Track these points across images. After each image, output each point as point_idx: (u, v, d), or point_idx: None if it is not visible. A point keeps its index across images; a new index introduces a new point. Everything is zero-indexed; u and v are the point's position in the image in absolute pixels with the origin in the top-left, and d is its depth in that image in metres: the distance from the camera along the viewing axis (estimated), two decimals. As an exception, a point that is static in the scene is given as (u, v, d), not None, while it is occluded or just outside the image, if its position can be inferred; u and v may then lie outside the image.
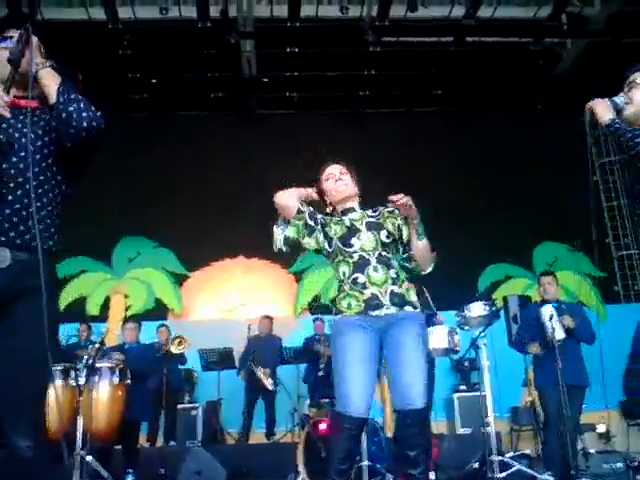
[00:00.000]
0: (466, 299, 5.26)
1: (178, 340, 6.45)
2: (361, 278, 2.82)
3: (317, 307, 9.04)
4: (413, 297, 2.89)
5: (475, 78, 9.98)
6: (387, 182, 8.79)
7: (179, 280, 9.57)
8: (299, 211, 2.98)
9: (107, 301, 9.35)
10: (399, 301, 2.81)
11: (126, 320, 6.20)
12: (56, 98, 2.01)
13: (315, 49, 9.23)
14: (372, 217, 3.00)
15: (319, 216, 3.02)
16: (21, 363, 1.84)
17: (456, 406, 7.60)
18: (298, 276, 9.59)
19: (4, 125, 1.97)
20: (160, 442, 6.99)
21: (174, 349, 6.33)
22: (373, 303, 2.78)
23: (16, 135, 2.02)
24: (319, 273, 9.28)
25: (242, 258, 9.57)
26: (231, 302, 9.39)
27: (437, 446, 5.09)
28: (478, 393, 6.18)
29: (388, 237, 2.92)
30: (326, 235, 2.95)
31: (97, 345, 4.90)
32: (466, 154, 10.05)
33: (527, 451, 5.78)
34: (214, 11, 8.50)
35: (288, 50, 9.25)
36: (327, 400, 7.10)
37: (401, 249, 3.00)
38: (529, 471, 4.72)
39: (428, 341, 3.02)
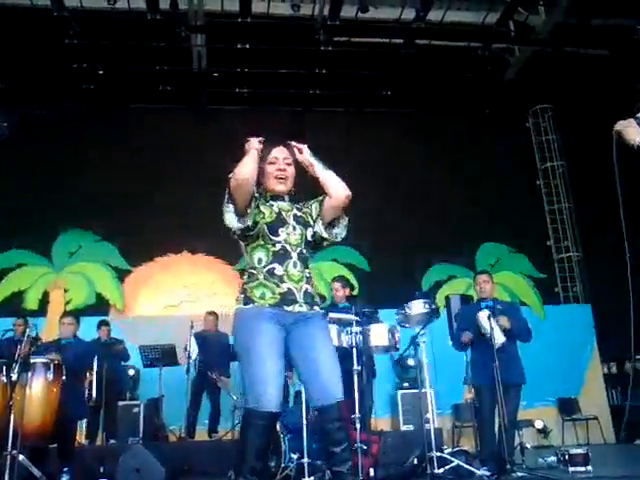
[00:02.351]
0: (409, 298, 5.30)
1: None
2: (278, 270, 2.75)
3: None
4: (318, 298, 2.90)
5: (425, 81, 10.13)
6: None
7: (121, 275, 9.38)
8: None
9: (46, 295, 9.10)
10: (310, 300, 2.80)
11: (63, 314, 6.01)
12: None
13: (266, 46, 9.19)
14: (300, 212, 2.94)
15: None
16: None
17: (399, 403, 7.70)
18: (242, 273, 9.45)
19: None
20: (100, 440, 6.84)
21: None
22: (289, 298, 2.73)
23: None
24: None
25: (186, 254, 9.46)
26: (176, 298, 9.26)
27: (378, 442, 5.11)
28: (419, 390, 6.29)
29: (313, 236, 2.90)
30: (254, 220, 2.82)
31: (30, 340, 4.73)
32: (414, 155, 10.21)
33: (466, 447, 5.87)
34: (164, 3, 8.37)
35: (239, 46, 9.18)
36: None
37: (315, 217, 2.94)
38: (467, 466, 4.80)
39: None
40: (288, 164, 2.93)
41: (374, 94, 10.35)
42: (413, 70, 9.83)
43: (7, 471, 4.37)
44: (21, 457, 4.47)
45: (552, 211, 10.76)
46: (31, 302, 9.00)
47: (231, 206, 2.78)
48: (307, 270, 2.85)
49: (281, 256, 2.79)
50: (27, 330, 5.02)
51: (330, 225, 2.95)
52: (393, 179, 10.00)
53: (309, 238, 2.88)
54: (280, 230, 2.82)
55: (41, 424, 4.88)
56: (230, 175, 2.75)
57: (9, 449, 4.46)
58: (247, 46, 9.18)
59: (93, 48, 8.99)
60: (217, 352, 7.35)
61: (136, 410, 6.97)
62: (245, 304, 2.74)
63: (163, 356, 7.08)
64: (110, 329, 7.55)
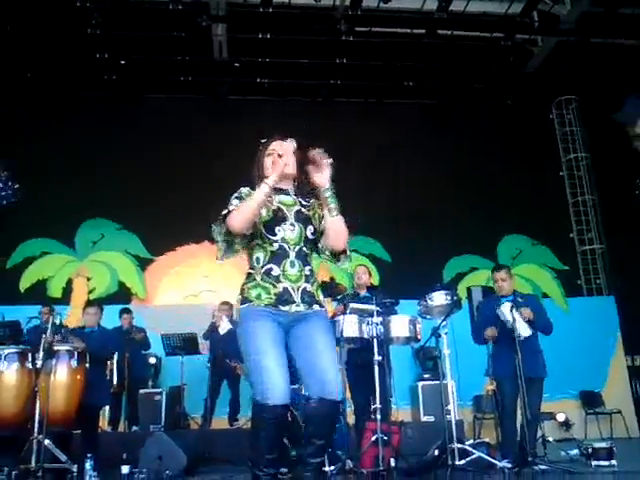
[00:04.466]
0: (431, 289, 5.27)
1: None
2: (275, 270, 2.72)
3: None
4: (321, 296, 2.84)
5: (446, 72, 10.03)
6: (352, 171, 8.91)
7: (143, 264, 9.44)
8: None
9: (70, 283, 9.19)
10: (309, 299, 2.76)
11: (87, 304, 6.08)
12: None
13: (287, 36, 9.17)
14: (303, 207, 2.87)
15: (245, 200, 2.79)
16: None
17: (420, 394, 7.68)
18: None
19: None
20: (123, 427, 6.92)
21: None
22: (284, 298, 2.71)
23: None
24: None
25: (207, 244, 9.49)
26: (196, 287, 9.31)
27: (398, 433, 5.11)
28: (440, 381, 6.26)
29: (313, 234, 2.84)
30: None
31: (55, 327, 4.80)
32: (435, 146, 10.13)
33: (487, 439, 5.84)
34: (187, -7, 8.41)
35: (260, 36, 9.18)
36: (295, 386, 7.16)
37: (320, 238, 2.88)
38: (488, 458, 4.77)
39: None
40: (285, 152, 2.84)
41: (395, 85, 10.27)
42: (435, 61, 9.74)
43: (34, 455, 4.47)
44: (47, 442, 4.56)
45: (575, 203, 10.63)
46: (55, 290, 9.10)
47: (222, 237, 2.77)
48: (307, 268, 2.78)
49: (278, 255, 2.75)
50: (52, 318, 5.10)
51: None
52: (413, 170, 9.94)
53: (309, 236, 2.82)
54: (277, 229, 2.76)
55: (65, 410, 4.96)
56: (228, 212, 2.70)
57: (35, 434, 4.56)
58: (268, 36, 9.17)
59: (115, 38, 9.02)
60: (233, 341, 7.35)
61: (158, 398, 7.03)
62: (242, 304, 2.74)
63: (184, 344, 7.14)
64: (132, 317, 7.64)
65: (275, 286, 2.71)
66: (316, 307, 2.78)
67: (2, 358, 4.76)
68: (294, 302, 2.72)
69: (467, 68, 9.99)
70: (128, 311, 7.70)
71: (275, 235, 2.76)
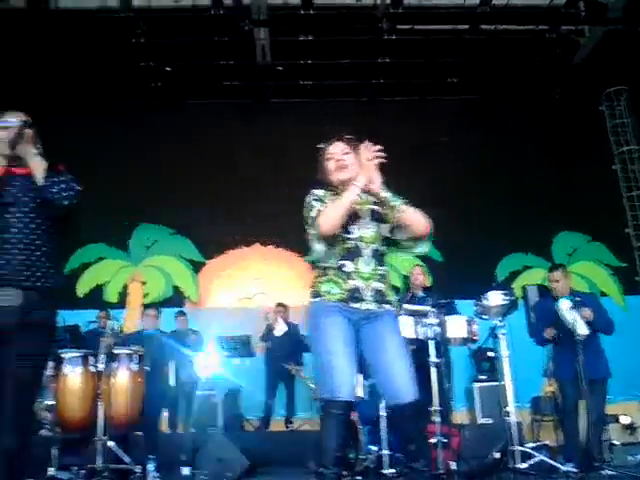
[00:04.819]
0: (484, 289, 5.21)
1: None
2: (349, 266, 2.75)
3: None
4: (392, 296, 2.85)
5: (491, 66, 9.87)
6: (401, 171, 8.83)
7: (196, 268, 9.55)
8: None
9: (125, 288, 9.36)
10: (380, 298, 2.77)
11: (146, 306, 6.20)
12: (42, 181, 2.50)
13: (329, 37, 9.16)
14: (377, 205, 2.88)
15: (323, 202, 2.84)
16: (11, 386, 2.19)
17: (476, 396, 7.54)
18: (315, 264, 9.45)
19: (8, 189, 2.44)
20: (181, 429, 7.03)
21: None
22: (355, 295, 2.72)
23: (17, 197, 2.49)
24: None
25: (258, 246, 9.57)
26: (249, 290, 9.37)
27: (458, 436, 5.06)
28: (498, 383, 6.17)
29: (391, 232, 2.86)
30: None
31: (114, 331, 4.91)
32: (483, 143, 9.98)
33: (548, 442, 5.74)
34: (227, -2, 8.48)
35: (302, 38, 9.19)
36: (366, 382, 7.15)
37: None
38: (551, 462, 4.68)
39: None
40: (346, 153, 2.91)
41: (439, 82, 10.17)
42: (478, 56, 9.60)
43: (99, 456, 4.58)
44: (111, 443, 4.67)
45: (630, 197, 10.28)
46: (111, 295, 9.27)
47: (320, 244, 2.78)
48: (382, 268, 2.80)
49: (353, 253, 2.77)
50: (109, 322, 5.22)
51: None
52: (460, 168, 9.79)
53: (385, 234, 2.84)
54: (353, 227, 2.80)
55: (127, 412, 5.05)
56: (316, 217, 2.75)
57: (99, 435, 4.67)
58: (310, 38, 9.17)
59: (159, 46, 9.12)
60: (289, 343, 7.44)
61: (214, 400, 7.10)
62: (313, 297, 2.77)
63: (240, 346, 7.20)
64: (187, 319, 7.75)
65: (346, 282, 2.74)
66: (387, 306, 2.79)
67: (66, 362, 4.86)
68: (364, 300, 2.73)
69: (511, 62, 9.80)
70: (183, 313, 7.83)
71: (350, 234, 2.79)
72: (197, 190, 9.49)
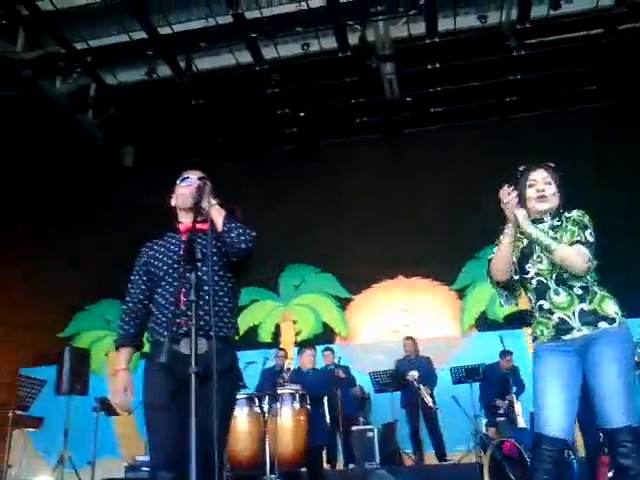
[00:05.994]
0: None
1: None
2: (545, 304, 2.72)
3: (484, 323, 8.80)
4: (608, 309, 2.64)
5: (631, 69, 9.26)
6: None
7: (343, 304, 9.75)
8: None
9: (278, 328, 9.75)
10: (592, 319, 2.63)
11: (304, 346, 6.44)
12: (222, 227, 2.61)
13: (456, 62, 9.09)
14: (553, 230, 2.79)
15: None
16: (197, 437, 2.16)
17: None
18: (461, 293, 9.37)
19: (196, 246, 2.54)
20: (340, 464, 7.13)
21: None
22: (563, 328, 2.66)
23: (204, 252, 2.57)
24: (482, 288, 8.79)
25: (402, 278, 9.59)
26: (395, 323, 9.39)
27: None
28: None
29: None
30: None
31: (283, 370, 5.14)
32: (631, 149, 9.32)
33: None
34: (352, 39, 8.68)
35: (429, 67, 9.20)
36: (503, 419, 6.92)
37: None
38: None
39: (632, 354, 2.73)
40: (548, 183, 2.86)
41: (577, 91, 9.71)
42: (619, 59, 9.05)
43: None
44: (278, 481, 4.87)
45: None
46: (265, 335, 9.70)
47: (499, 289, 2.89)
48: (576, 288, 2.68)
49: (540, 290, 2.75)
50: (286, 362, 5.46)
51: None
52: (615, 175, 9.15)
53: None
54: (527, 266, 2.78)
55: (293, 450, 5.26)
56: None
57: (268, 474, 4.89)
58: (437, 65, 9.15)
59: (292, 93, 9.55)
60: (421, 375, 7.39)
61: (370, 434, 7.14)
62: (533, 341, 2.82)
63: (392, 380, 7.23)
64: (334, 354, 7.87)
65: (550, 319, 2.72)
66: (603, 325, 2.64)
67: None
68: (574, 328, 2.66)
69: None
70: (329, 349, 7.98)
71: (528, 273, 2.78)
72: (339, 228, 9.77)
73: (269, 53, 8.95)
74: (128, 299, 2.76)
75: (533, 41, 8.84)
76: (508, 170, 3.11)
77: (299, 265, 9.99)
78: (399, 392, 7.50)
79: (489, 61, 9.11)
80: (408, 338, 7.97)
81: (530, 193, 2.86)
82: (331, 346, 8.27)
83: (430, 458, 7.43)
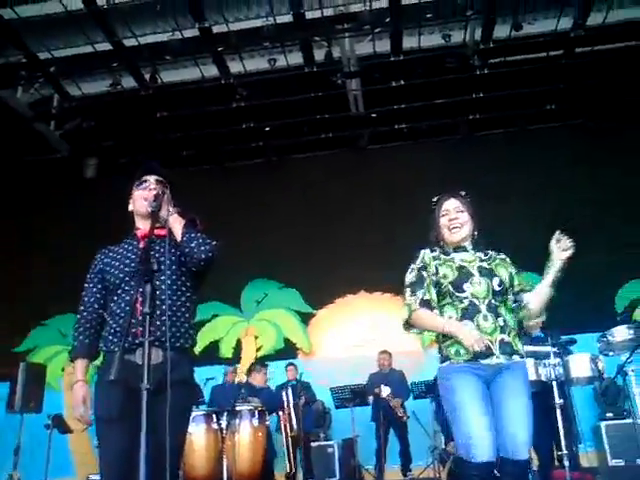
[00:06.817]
0: (605, 320, 4.93)
1: None
2: (470, 325, 2.74)
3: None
4: (520, 345, 2.81)
5: (592, 89, 9.52)
6: (507, 204, 8.62)
7: (306, 319, 9.70)
8: None
9: (239, 343, 9.64)
10: (509, 350, 2.74)
11: (257, 363, 6.40)
12: (181, 237, 2.57)
13: (420, 79, 9.21)
14: (484, 262, 2.90)
15: (428, 271, 2.88)
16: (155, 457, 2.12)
17: (604, 435, 7.02)
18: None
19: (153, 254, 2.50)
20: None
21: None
22: (485, 352, 2.69)
23: (161, 261, 2.50)
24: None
25: (364, 293, 9.60)
26: (360, 337, 9.37)
27: (591, 482, 4.75)
28: (629, 420, 5.73)
29: (500, 285, 2.82)
30: (437, 283, 2.86)
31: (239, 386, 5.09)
32: (592, 166, 9.54)
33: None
34: (319, 55, 8.77)
35: (394, 84, 9.30)
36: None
37: (511, 298, 2.89)
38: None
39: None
40: (460, 211, 2.93)
41: (537, 110, 9.93)
42: (577, 80, 9.29)
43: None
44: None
45: None
46: (226, 350, 9.59)
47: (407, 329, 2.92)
48: (500, 319, 2.77)
49: (470, 311, 2.77)
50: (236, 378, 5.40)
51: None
52: (574, 192, 9.36)
53: (496, 288, 2.82)
54: (465, 285, 2.81)
55: (250, 467, 5.20)
56: (411, 313, 2.82)
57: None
58: (402, 82, 9.26)
59: (258, 107, 9.51)
60: (392, 387, 7.38)
61: (330, 450, 7.11)
62: (442, 362, 2.80)
63: (353, 396, 7.20)
64: (296, 369, 7.79)
65: None
66: (516, 357, 2.76)
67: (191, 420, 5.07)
68: (494, 354, 2.71)
69: (615, 81, 9.40)
70: (292, 364, 7.92)
71: (464, 292, 2.80)
72: (301, 243, 9.70)
73: (235, 67, 8.98)
74: (82, 308, 2.66)
75: (496, 60, 9.03)
76: (472, 186, 3.16)
77: (262, 280, 9.93)
78: (363, 407, 7.45)
79: (453, 79, 9.24)
80: (383, 352, 7.94)
81: (444, 221, 2.94)
82: (293, 361, 8.23)
83: (391, 475, 7.40)
